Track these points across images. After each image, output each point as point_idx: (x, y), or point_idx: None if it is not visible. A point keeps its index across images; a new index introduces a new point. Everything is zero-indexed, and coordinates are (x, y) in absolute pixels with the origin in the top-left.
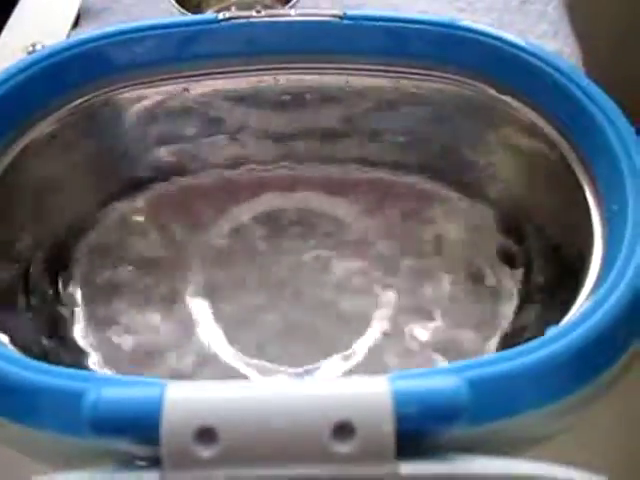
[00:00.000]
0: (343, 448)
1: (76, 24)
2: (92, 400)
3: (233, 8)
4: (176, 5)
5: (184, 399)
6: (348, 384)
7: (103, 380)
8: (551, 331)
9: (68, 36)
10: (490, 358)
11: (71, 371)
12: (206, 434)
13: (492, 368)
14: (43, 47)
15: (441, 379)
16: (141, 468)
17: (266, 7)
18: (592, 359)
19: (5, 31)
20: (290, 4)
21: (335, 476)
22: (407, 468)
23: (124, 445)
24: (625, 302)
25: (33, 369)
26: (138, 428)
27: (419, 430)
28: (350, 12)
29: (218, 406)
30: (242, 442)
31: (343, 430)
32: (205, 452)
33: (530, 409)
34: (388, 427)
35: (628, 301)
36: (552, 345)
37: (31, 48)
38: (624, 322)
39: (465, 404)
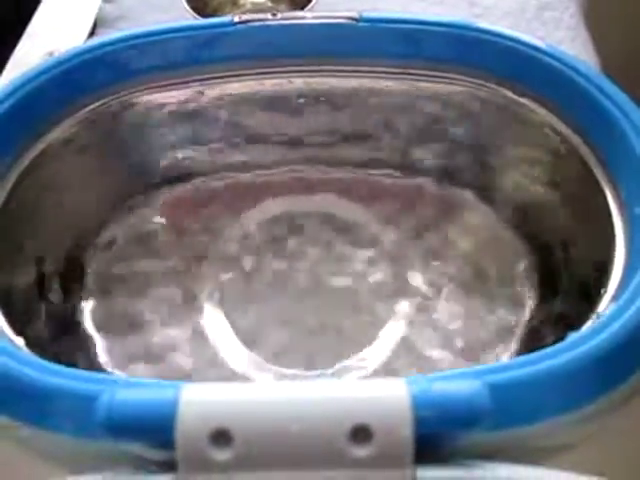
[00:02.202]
0: (360, 452)
1: (93, 32)
2: (106, 402)
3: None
4: (192, 12)
5: (199, 401)
6: (365, 387)
7: (118, 382)
8: (572, 337)
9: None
10: (511, 362)
11: (85, 373)
12: (221, 436)
13: (514, 372)
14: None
15: (461, 383)
16: (156, 471)
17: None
18: (615, 366)
19: (24, 39)
20: (306, 9)
21: None
22: (425, 474)
23: (138, 448)
24: None
25: (48, 372)
26: (153, 430)
27: (438, 435)
28: (366, 14)
29: (233, 408)
30: (258, 445)
31: (360, 434)
32: (220, 455)
33: (552, 415)
34: (406, 431)
35: None
36: (574, 350)
37: (48, 56)
38: None
39: (486, 409)
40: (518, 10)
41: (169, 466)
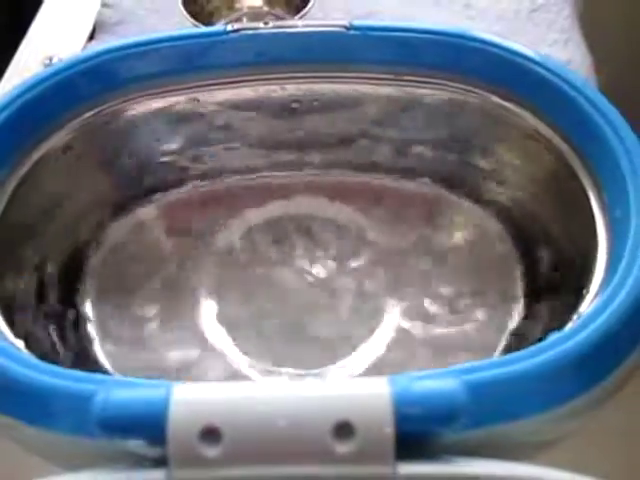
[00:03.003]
0: (343, 448)
1: (92, 37)
2: (101, 401)
3: (244, 18)
4: (188, 17)
5: (189, 400)
6: (349, 385)
7: (112, 382)
8: (552, 337)
9: (84, 48)
10: (490, 362)
11: (81, 374)
12: (211, 434)
13: (492, 372)
14: (60, 59)
15: (440, 382)
16: (149, 467)
17: (277, 17)
18: (594, 364)
19: (23, 44)
20: (300, 14)
21: (335, 476)
22: (406, 469)
23: (132, 445)
24: (627, 307)
25: (46, 372)
26: (145, 428)
27: (419, 431)
28: (356, 22)
29: (222, 406)
30: (245, 442)
31: (343, 430)
32: (210, 451)
33: (531, 413)
34: (387, 428)
35: (630, 306)
36: (553, 350)
37: (48, 61)
38: (626, 327)
39: (463, 406)
40: (512, 12)
41: (161, 462)
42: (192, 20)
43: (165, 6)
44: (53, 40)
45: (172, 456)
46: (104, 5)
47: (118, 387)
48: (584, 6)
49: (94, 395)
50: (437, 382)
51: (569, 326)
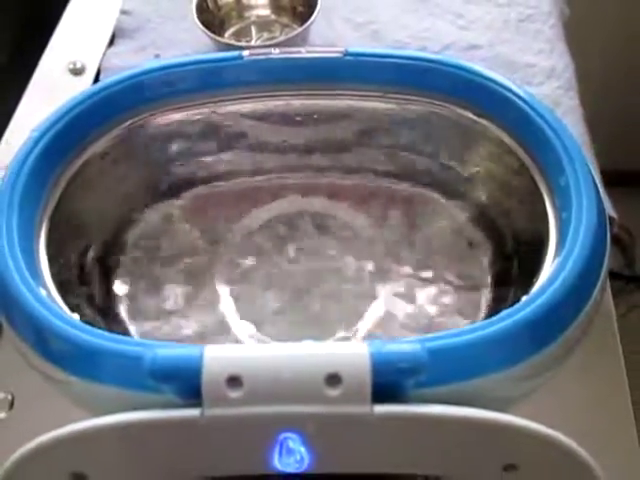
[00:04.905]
0: (333, 393)
1: (111, 42)
2: (150, 358)
3: (253, 27)
4: (200, 25)
5: (218, 356)
6: (338, 346)
7: (156, 345)
8: (504, 311)
9: (104, 54)
10: (450, 332)
11: (130, 339)
12: (234, 381)
13: (450, 339)
14: (82, 65)
15: (407, 345)
16: (186, 407)
17: (284, 25)
18: (539, 333)
19: (48, 50)
20: (307, 24)
21: (327, 414)
22: (380, 409)
23: (174, 392)
24: (563, 290)
25: (104, 338)
26: (186, 377)
27: (390, 381)
28: (351, 49)
29: (244, 361)
30: (261, 387)
31: (333, 380)
32: (234, 394)
33: (486, 373)
34: (366, 378)
35: (566, 289)
36: (503, 322)
37: (72, 66)
38: (564, 305)
39: (424, 364)
40: (501, 22)
41: (195, 405)
42: (203, 28)
43: (179, 14)
44: (75, 46)
45: (205, 397)
46: (123, 12)
47: (161, 348)
48: (570, 16)
49: (143, 355)
50: (404, 345)
51: (517, 305)
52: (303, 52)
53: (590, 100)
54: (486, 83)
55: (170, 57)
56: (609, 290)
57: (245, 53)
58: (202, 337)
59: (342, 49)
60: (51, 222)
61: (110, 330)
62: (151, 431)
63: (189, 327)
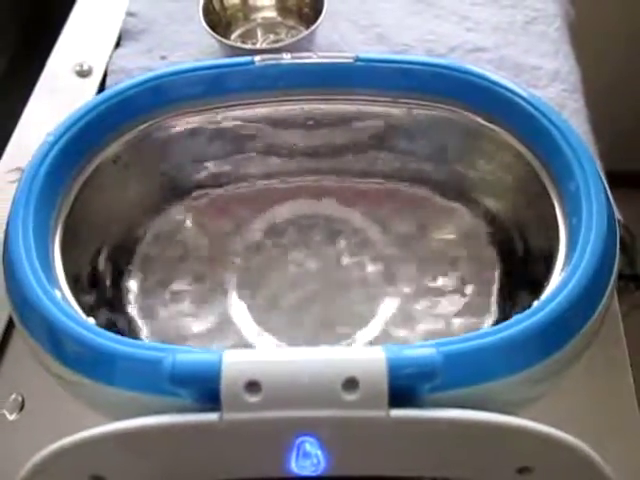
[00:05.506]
0: (350, 397)
1: (118, 44)
2: (170, 362)
3: (258, 29)
4: (207, 27)
5: (237, 361)
6: (355, 352)
7: (175, 350)
8: (515, 317)
9: (111, 56)
10: (463, 337)
11: (148, 343)
12: (253, 386)
13: (464, 344)
14: (89, 66)
15: (422, 350)
16: (204, 411)
17: (290, 28)
18: (548, 339)
19: (54, 52)
20: (314, 27)
21: (344, 418)
22: (396, 413)
23: (192, 396)
24: (574, 297)
25: (121, 343)
26: (205, 382)
27: (406, 385)
28: (362, 55)
29: (262, 366)
30: (279, 392)
31: (350, 384)
32: (252, 399)
33: (498, 377)
34: (383, 382)
35: (577, 296)
36: (514, 327)
37: (79, 67)
38: (573, 311)
39: (439, 367)
40: (507, 24)
41: (214, 409)
42: (209, 30)
43: (185, 16)
44: (82, 48)
45: (224, 402)
46: (129, 14)
47: (180, 353)
48: (576, 18)
49: (162, 360)
50: (420, 350)
51: (528, 311)
52: (314, 57)
53: (593, 101)
54: (495, 89)
55: (177, 59)
56: (615, 293)
57: (257, 58)
58: (211, 338)
59: (353, 55)
60: (66, 225)
61: (121, 329)
62: (170, 435)
63: (199, 327)
